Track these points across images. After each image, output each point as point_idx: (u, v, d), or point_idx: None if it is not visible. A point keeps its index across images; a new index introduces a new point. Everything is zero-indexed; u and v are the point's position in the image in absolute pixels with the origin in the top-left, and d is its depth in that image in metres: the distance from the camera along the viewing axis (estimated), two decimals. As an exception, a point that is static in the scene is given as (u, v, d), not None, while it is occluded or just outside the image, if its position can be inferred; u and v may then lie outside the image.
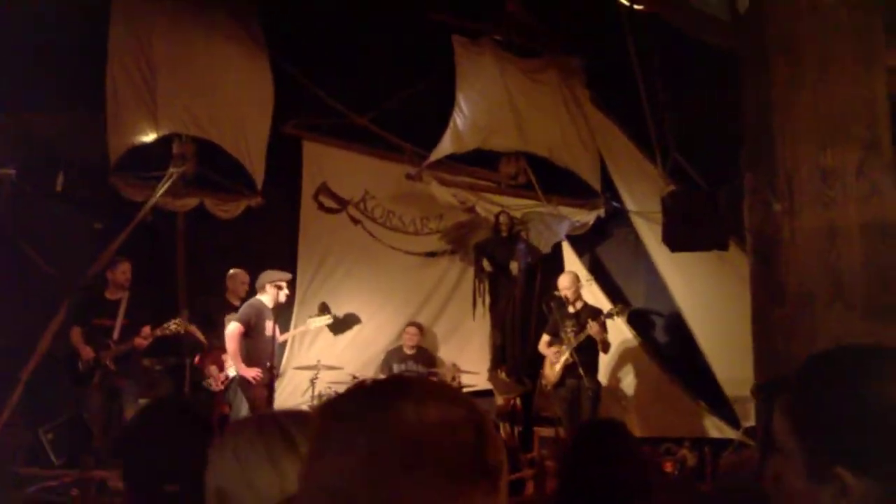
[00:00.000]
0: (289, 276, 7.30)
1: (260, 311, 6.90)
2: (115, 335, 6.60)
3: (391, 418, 0.86)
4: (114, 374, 6.54)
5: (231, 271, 7.24)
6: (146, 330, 6.64)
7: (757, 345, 4.20)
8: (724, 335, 7.20)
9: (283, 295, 7.02)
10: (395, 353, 7.95)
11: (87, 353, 6.48)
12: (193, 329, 7.05)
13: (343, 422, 0.89)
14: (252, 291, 7.14)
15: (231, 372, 6.89)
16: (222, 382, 6.91)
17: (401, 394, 0.89)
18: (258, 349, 6.83)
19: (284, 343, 7.63)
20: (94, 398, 6.54)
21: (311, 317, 7.62)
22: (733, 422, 7.35)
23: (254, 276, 7.16)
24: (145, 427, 1.99)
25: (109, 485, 5.61)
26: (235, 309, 7.08)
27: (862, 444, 1.02)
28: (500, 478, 0.88)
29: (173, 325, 6.70)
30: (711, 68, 5.70)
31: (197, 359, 7.00)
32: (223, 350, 6.90)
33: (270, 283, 6.94)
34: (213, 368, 6.94)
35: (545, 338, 7.44)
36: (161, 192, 7.13)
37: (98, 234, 7.05)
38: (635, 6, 6.02)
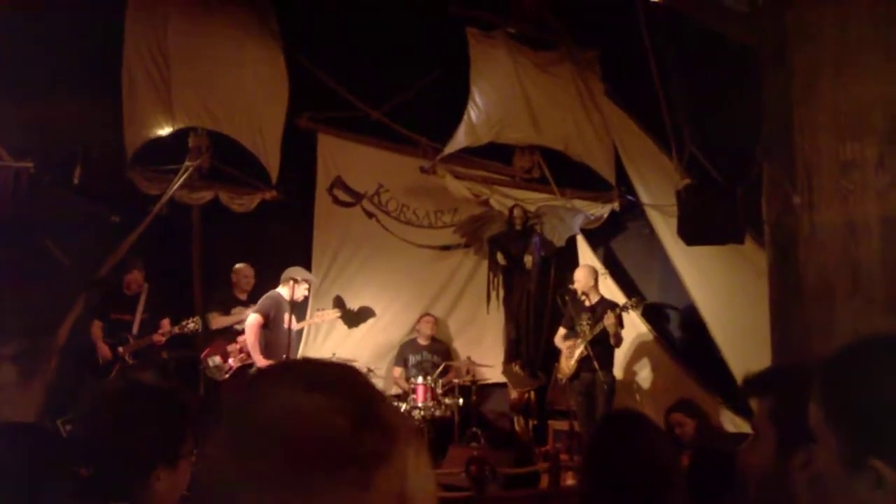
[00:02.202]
0: (313, 278, 7.38)
1: (279, 303, 6.99)
2: (134, 329, 6.68)
3: (244, 409, 0.83)
4: (132, 368, 6.61)
5: (236, 266, 7.30)
6: (165, 325, 6.74)
7: (775, 338, 4.19)
8: (740, 329, 7.18)
9: (299, 292, 7.08)
10: (409, 345, 7.98)
11: (105, 352, 6.56)
12: (225, 320, 7.08)
13: (218, 413, 0.86)
14: (258, 285, 7.22)
15: (232, 362, 6.93)
16: (226, 373, 6.94)
17: (263, 382, 0.85)
18: (276, 341, 6.93)
19: (299, 334, 7.65)
20: None
21: (318, 310, 7.66)
22: (748, 415, 7.31)
23: (267, 270, 7.25)
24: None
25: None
26: (242, 302, 7.15)
27: None
28: (381, 470, 0.80)
29: (191, 324, 6.80)
30: (728, 60, 5.67)
31: (206, 350, 7.05)
32: (228, 341, 7.00)
33: (292, 277, 7.02)
34: (216, 358, 6.98)
35: (561, 331, 7.43)
36: (177, 185, 7.15)
37: (115, 227, 7.08)
38: (651, -2, 5.98)
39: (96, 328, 6.66)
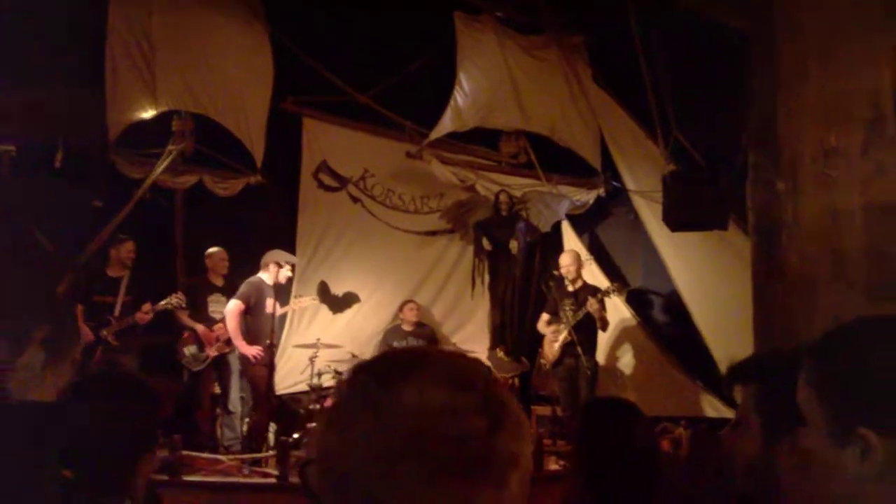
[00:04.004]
0: (294, 259, 7.33)
1: (260, 288, 6.92)
2: (116, 312, 6.63)
3: (390, 400, 0.82)
4: (115, 350, 6.56)
5: (209, 250, 7.16)
6: (147, 306, 6.67)
7: (757, 323, 4.22)
8: (722, 314, 7.23)
9: (283, 275, 7.03)
10: (393, 332, 7.94)
11: (87, 334, 6.50)
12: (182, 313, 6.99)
13: (353, 395, 0.86)
14: (243, 270, 7.15)
15: (209, 351, 6.88)
16: (203, 362, 6.90)
17: (407, 373, 0.84)
18: (258, 327, 6.86)
19: (283, 319, 7.62)
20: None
21: (295, 297, 7.62)
22: (730, 401, 7.36)
23: (251, 254, 7.17)
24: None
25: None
26: (218, 289, 7.09)
27: (884, 404, 1.02)
28: (513, 470, 0.82)
29: (174, 300, 6.74)
30: (713, 47, 5.68)
31: (182, 339, 6.95)
32: (206, 329, 6.89)
33: (274, 261, 6.97)
34: (192, 348, 6.91)
35: (544, 316, 7.45)
36: (160, 169, 7.08)
37: (98, 211, 7.03)
38: (639, -17, 5.98)
39: (77, 311, 6.58)
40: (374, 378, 0.86)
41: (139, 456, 1.76)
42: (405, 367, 0.86)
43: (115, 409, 1.75)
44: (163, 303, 6.73)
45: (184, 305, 6.83)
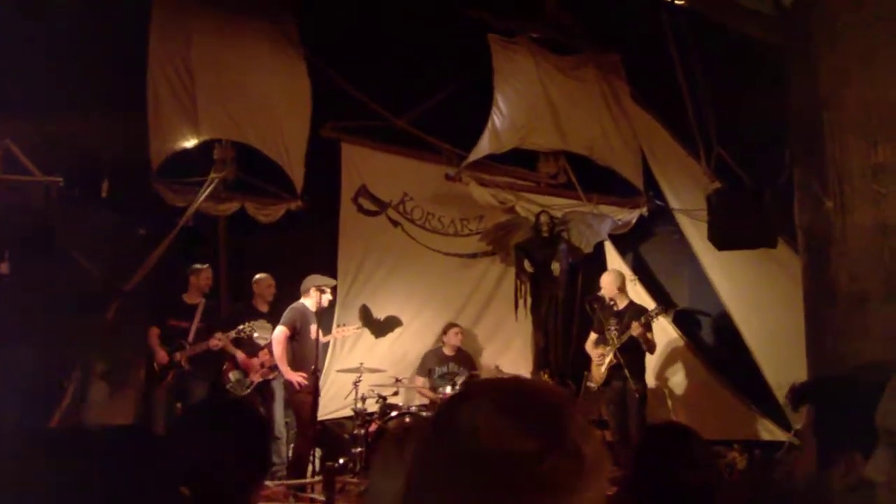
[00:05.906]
0: (333, 281, 7.34)
1: (304, 314, 6.97)
2: (190, 337, 6.76)
3: (446, 419, 0.87)
4: (187, 375, 6.66)
5: (256, 276, 7.23)
6: (219, 333, 6.76)
7: (809, 344, 4.10)
8: (774, 335, 7.05)
9: (325, 299, 7.08)
10: (434, 356, 7.87)
11: (162, 356, 6.64)
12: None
13: (423, 426, 0.94)
14: (286, 295, 7.19)
15: (253, 377, 6.92)
16: (248, 388, 6.93)
17: (470, 396, 0.88)
18: (303, 353, 6.91)
19: (326, 344, 7.62)
20: (161, 397, 6.66)
21: (339, 325, 7.63)
22: (784, 424, 7.17)
23: (293, 280, 7.21)
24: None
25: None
26: (262, 314, 7.13)
27: None
28: (567, 494, 0.83)
29: (247, 328, 6.82)
30: (753, 62, 5.58)
31: (226, 365, 7.02)
32: (248, 356, 6.95)
33: (314, 286, 7.00)
34: (237, 373, 6.95)
35: (592, 336, 7.29)
36: (203, 197, 7.18)
37: (143, 239, 7.14)
38: (676, 1, 5.91)
39: (153, 335, 6.74)
40: (446, 402, 0.92)
41: (254, 479, 1.83)
42: (471, 391, 0.91)
43: (232, 435, 1.82)
44: (234, 332, 6.81)
45: (255, 334, 6.90)
